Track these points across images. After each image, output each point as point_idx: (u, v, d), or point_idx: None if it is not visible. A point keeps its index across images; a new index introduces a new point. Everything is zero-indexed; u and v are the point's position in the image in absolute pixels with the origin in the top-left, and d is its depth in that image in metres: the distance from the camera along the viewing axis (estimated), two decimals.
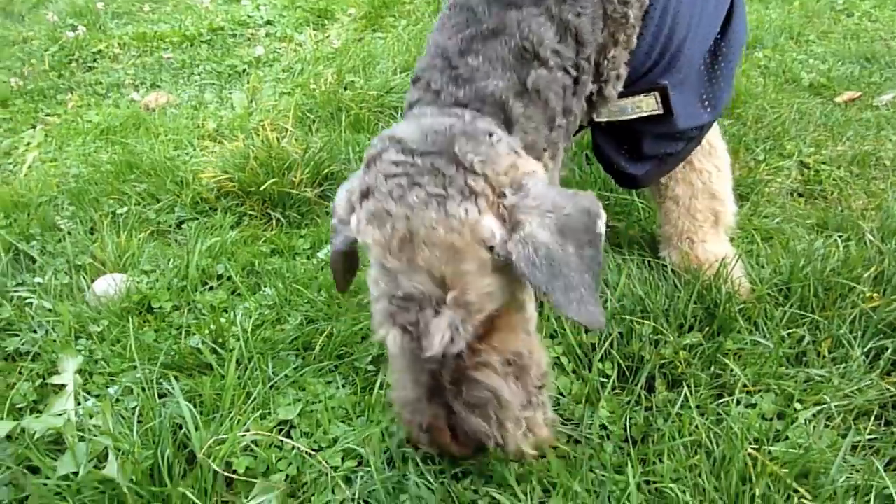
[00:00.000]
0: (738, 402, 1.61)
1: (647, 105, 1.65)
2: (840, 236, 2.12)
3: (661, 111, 1.66)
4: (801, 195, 2.51)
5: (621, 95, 1.64)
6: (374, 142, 1.28)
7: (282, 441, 1.54)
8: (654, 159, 1.82)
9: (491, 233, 1.16)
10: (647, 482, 1.46)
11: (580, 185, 2.46)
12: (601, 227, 1.20)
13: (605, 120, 1.73)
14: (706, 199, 1.92)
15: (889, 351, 1.69)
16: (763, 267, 2.02)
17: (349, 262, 1.48)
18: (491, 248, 1.17)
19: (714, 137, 1.90)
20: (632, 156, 1.83)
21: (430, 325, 1.17)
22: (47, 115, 3.76)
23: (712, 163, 1.91)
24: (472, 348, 1.25)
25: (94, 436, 1.52)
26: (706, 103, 1.74)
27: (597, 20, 1.42)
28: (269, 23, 4.73)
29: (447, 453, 1.35)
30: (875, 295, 1.82)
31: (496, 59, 1.31)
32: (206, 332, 1.87)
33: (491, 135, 1.23)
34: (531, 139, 1.35)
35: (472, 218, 1.16)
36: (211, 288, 2.15)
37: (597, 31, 1.43)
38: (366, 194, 1.23)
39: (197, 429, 1.51)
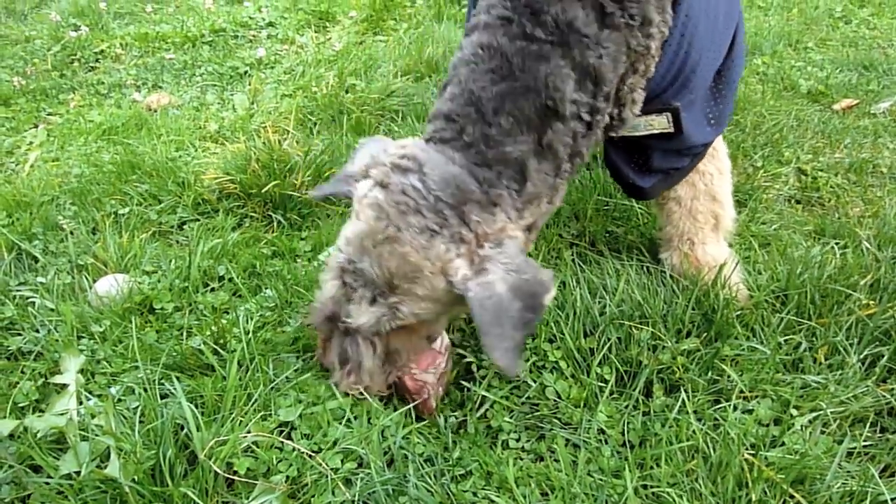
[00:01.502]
0: (735, 408, 1.62)
1: (659, 124, 1.71)
2: (837, 243, 2.14)
3: (672, 129, 1.71)
4: (798, 202, 2.53)
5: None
6: (406, 144, 1.50)
7: (282, 442, 1.55)
8: (661, 173, 1.87)
9: (455, 271, 1.39)
10: (645, 486, 1.47)
11: (580, 190, 2.48)
12: (547, 300, 1.39)
13: (617, 135, 1.77)
14: (707, 202, 1.95)
15: (885, 358, 1.71)
16: (760, 273, 2.03)
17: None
18: (450, 283, 1.40)
19: (716, 141, 1.93)
20: (641, 169, 1.88)
21: (363, 303, 1.47)
22: (49, 114, 3.77)
23: (714, 165, 1.94)
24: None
25: (96, 435, 1.53)
26: (711, 121, 1.78)
27: (619, 56, 1.46)
28: (270, 25, 4.74)
29: (318, 356, 1.72)
30: (871, 302, 1.84)
31: (523, 121, 1.42)
32: (208, 333, 1.88)
33: (496, 205, 1.43)
34: (538, 190, 1.48)
35: (448, 256, 1.39)
36: (212, 289, 2.16)
37: (619, 67, 1.48)
38: (381, 185, 1.44)
39: (198, 429, 1.52)
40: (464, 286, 1.37)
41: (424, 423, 1.65)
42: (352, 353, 1.58)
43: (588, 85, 1.43)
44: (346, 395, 1.64)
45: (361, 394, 1.63)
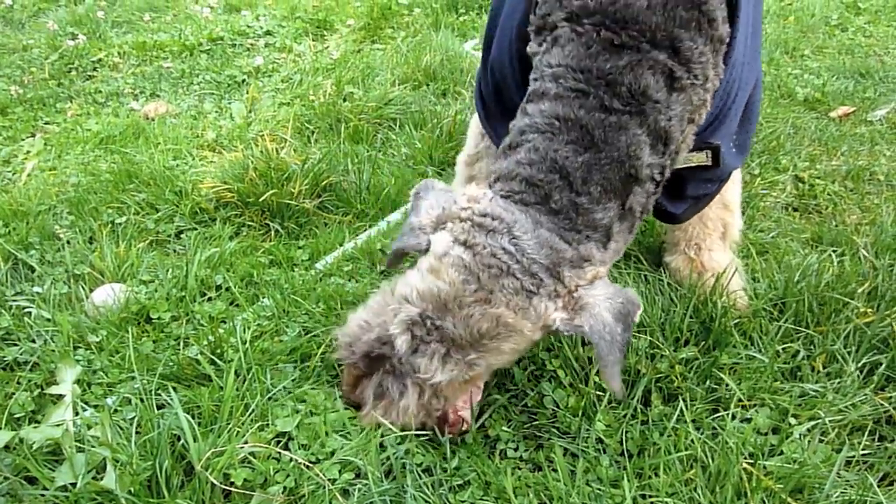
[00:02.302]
0: (734, 417, 1.62)
1: (698, 159, 1.73)
2: (834, 251, 2.15)
3: (710, 163, 1.74)
4: (796, 209, 2.54)
5: None
6: (478, 197, 1.50)
7: (280, 453, 1.55)
8: (693, 199, 1.89)
9: (554, 321, 1.43)
10: (644, 496, 1.47)
11: None
12: (637, 316, 1.44)
13: None
14: (719, 209, 1.97)
15: (883, 366, 1.71)
16: (758, 281, 2.03)
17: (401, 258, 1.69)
18: (554, 330, 1.44)
19: None
20: (673, 196, 1.89)
21: (436, 358, 1.44)
22: (46, 123, 3.77)
23: None
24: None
25: (93, 446, 1.52)
26: (737, 148, 1.82)
27: (684, 115, 1.49)
28: (268, 33, 4.75)
29: (344, 391, 1.69)
30: (869, 310, 1.84)
31: (611, 190, 1.46)
32: (205, 342, 1.88)
33: (587, 261, 1.46)
34: (619, 247, 1.55)
35: (548, 314, 1.43)
36: (209, 298, 2.16)
37: (684, 124, 1.51)
38: (465, 244, 1.45)
39: (195, 440, 1.51)
40: (571, 326, 1.41)
41: (424, 433, 1.64)
42: (393, 391, 1.55)
43: (660, 147, 1.47)
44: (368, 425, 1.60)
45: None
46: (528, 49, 1.61)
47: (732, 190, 1.97)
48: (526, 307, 1.42)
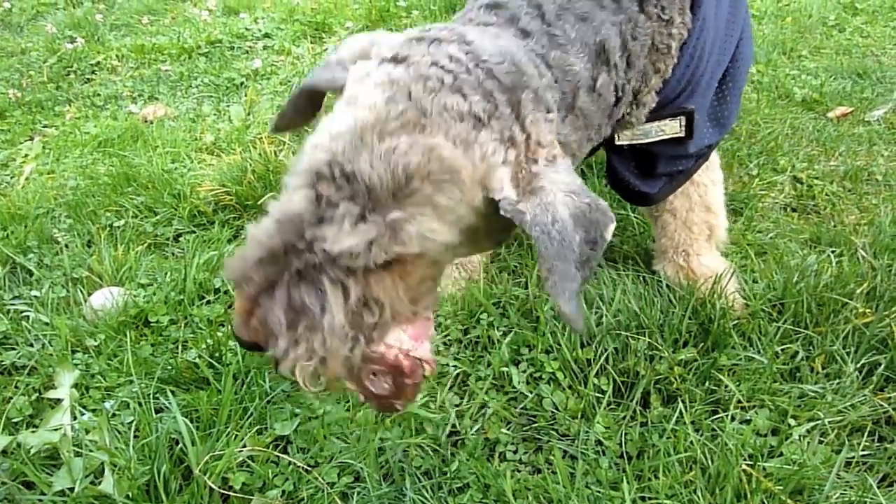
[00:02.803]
0: (733, 418, 1.62)
1: (671, 129, 1.69)
2: (833, 251, 2.14)
3: (683, 134, 1.70)
4: (794, 210, 2.54)
5: (648, 119, 1.69)
6: (434, 25, 1.18)
7: (278, 457, 1.55)
8: (666, 177, 1.86)
9: (500, 182, 1.07)
10: (643, 498, 1.46)
11: None
12: (609, 232, 1.12)
13: (626, 143, 1.76)
14: (702, 212, 1.96)
15: (882, 367, 1.71)
16: (757, 282, 2.03)
17: (310, 104, 1.36)
18: (490, 199, 1.08)
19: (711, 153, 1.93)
20: (645, 175, 1.87)
21: (346, 222, 1.02)
22: (45, 126, 3.77)
23: (708, 176, 1.95)
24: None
25: (91, 451, 1.52)
26: (716, 123, 1.78)
27: (645, 48, 1.47)
28: (266, 36, 4.75)
29: (235, 325, 1.16)
30: (868, 311, 1.84)
31: (584, 45, 1.29)
32: (203, 346, 1.87)
33: (549, 111, 1.18)
34: (570, 138, 1.32)
35: (495, 159, 1.07)
36: (208, 302, 2.15)
37: (643, 58, 1.49)
38: (395, 59, 1.10)
39: (193, 444, 1.51)
40: (512, 208, 1.06)
41: (423, 436, 1.64)
42: (309, 303, 1.07)
43: (624, 61, 1.42)
44: (294, 385, 1.22)
45: (319, 384, 1.13)
46: None
47: (714, 192, 1.95)
48: (471, 140, 1.05)
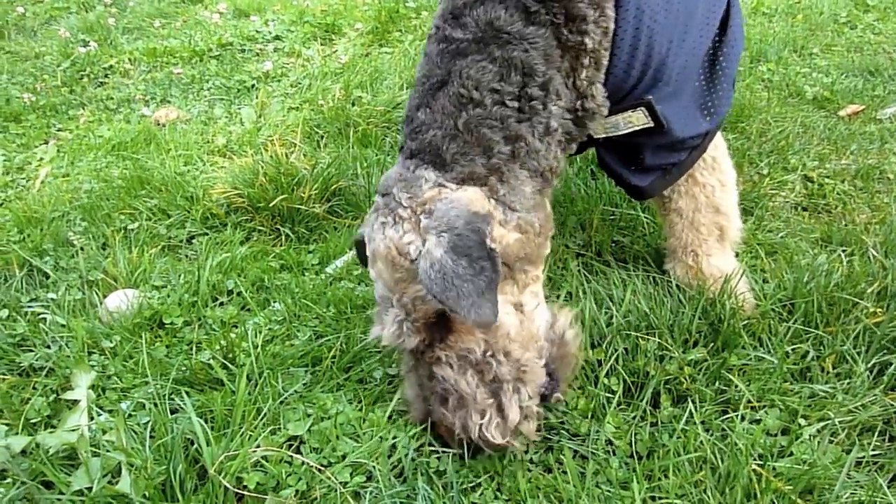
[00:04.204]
0: (743, 418, 1.62)
1: (637, 119, 1.72)
2: (844, 251, 2.14)
3: (651, 124, 1.71)
4: (804, 209, 2.53)
5: (612, 112, 1.71)
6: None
7: (292, 457, 1.56)
8: (658, 170, 1.86)
9: (408, 249, 1.46)
10: (653, 498, 1.47)
11: (585, 200, 2.49)
12: (494, 230, 1.46)
13: (602, 136, 1.80)
14: (710, 214, 1.95)
15: (893, 367, 1.70)
16: (767, 282, 2.03)
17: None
18: (413, 261, 1.45)
19: (718, 153, 1.92)
20: (636, 168, 1.87)
21: (385, 319, 1.52)
22: (59, 130, 3.81)
23: (716, 178, 1.93)
24: (430, 346, 1.52)
25: (108, 451, 1.54)
26: (706, 112, 1.77)
27: (550, 50, 1.55)
28: (277, 38, 4.78)
29: (443, 440, 1.59)
30: (879, 310, 1.84)
31: (439, 111, 1.54)
32: (217, 347, 1.90)
33: (424, 179, 1.51)
34: (468, 171, 1.53)
35: (397, 237, 1.48)
36: (221, 303, 2.18)
37: (553, 60, 1.56)
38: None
39: (208, 444, 1.53)
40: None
41: (434, 435, 1.65)
42: (436, 390, 1.54)
43: (514, 76, 1.52)
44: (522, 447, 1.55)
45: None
46: None
47: (723, 193, 1.94)
48: (386, 237, 1.51)
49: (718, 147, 1.92)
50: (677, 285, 2.01)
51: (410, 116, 1.60)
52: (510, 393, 1.51)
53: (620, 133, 1.76)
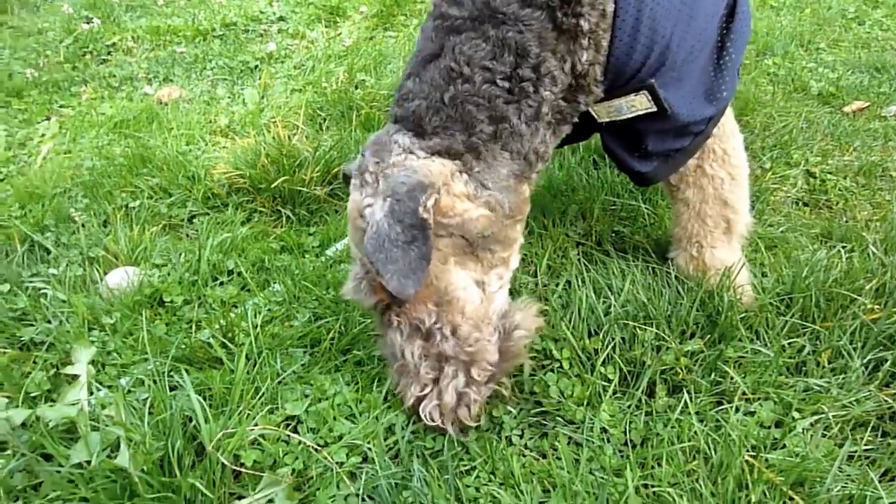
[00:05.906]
0: (737, 410, 1.63)
1: (640, 104, 1.72)
2: (843, 247, 2.14)
3: (654, 109, 1.71)
4: (806, 204, 2.53)
5: (615, 96, 1.71)
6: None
7: (289, 436, 1.58)
8: (661, 156, 1.85)
9: (366, 212, 1.50)
10: (646, 486, 1.49)
11: (587, 190, 2.49)
12: (429, 199, 1.45)
13: (605, 120, 1.79)
14: (718, 206, 1.94)
15: (888, 363, 1.71)
16: (766, 276, 2.04)
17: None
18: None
19: (730, 146, 1.90)
20: (639, 154, 1.87)
21: (349, 275, 1.63)
22: (61, 106, 3.80)
23: (725, 170, 1.91)
24: (389, 308, 1.58)
25: (107, 426, 1.55)
26: (710, 97, 1.76)
27: (545, 32, 1.55)
28: (281, 19, 4.76)
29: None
30: (876, 307, 1.85)
31: (427, 82, 1.56)
32: (217, 326, 1.91)
33: (397, 145, 1.55)
34: (446, 144, 1.54)
35: (360, 199, 1.54)
36: (221, 283, 2.19)
37: (548, 42, 1.56)
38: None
39: (206, 421, 1.54)
40: None
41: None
42: (385, 351, 1.63)
43: (507, 56, 1.53)
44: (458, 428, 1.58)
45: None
46: None
47: (732, 186, 1.92)
48: (354, 199, 1.58)
49: (731, 139, 1.91)
50: (676, 276, 2.02)
51: (401, 84, 1.63)
52: (449, 376, 1.56)
53: (623, 117, 1.76)
